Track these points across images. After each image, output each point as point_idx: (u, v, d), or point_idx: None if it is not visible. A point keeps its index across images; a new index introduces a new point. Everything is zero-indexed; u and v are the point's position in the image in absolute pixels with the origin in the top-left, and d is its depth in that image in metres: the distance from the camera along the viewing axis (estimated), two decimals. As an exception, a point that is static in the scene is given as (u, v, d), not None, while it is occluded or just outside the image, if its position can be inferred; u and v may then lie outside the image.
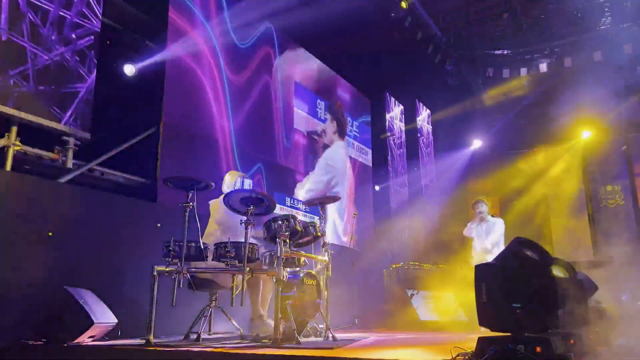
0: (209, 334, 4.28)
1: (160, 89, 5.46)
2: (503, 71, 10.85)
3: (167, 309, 3.72)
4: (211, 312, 4.21)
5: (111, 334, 4.00)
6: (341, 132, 8.99)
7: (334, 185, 8.49)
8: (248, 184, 4.72)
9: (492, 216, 6.48)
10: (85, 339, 3.68)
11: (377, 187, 9.89)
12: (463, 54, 10.34)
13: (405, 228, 9.80)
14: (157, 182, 5.18)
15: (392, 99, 10.52)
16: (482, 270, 2.90)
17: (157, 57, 5.55)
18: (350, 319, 6.66)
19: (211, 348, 3.24)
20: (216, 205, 4.54)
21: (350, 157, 9.09)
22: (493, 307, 2.76)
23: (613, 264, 6.01)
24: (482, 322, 2.83)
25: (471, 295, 2.83)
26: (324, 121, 8.56)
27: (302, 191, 7.71)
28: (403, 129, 10.83)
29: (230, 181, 4.63)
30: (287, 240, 3.96)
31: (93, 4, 4.85)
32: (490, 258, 5.89)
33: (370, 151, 9.86)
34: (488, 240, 6.28)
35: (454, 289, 7.07)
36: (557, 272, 2.99)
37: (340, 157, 8.87)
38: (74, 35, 4.66)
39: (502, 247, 5.99)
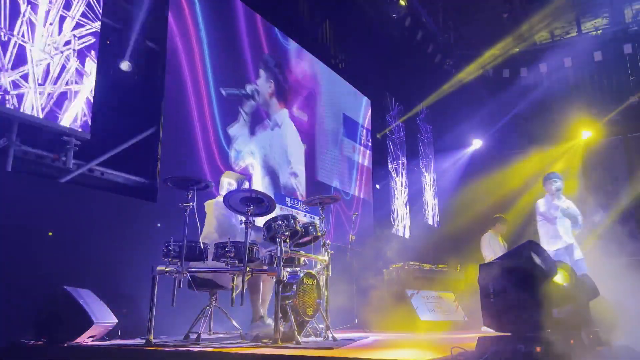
0: (209, 334, 4.28)
1: (161, 88, 5.46)
2: (503, 71, 10.86)
3: (167, 309, 3.72)
4: (211, 312, 4.21)
5: (111, 334, 4.01)
6: (280, 95, 7.37)
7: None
8: (242, 183, 4.67)
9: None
10: (85, 339, 3.68)
11: (377, 186, 9.89)
12: (463, 54, 10.34)
13: (405, 228, 9.79)
14: (157, 182, 5.18)
15: (392, 99, 10.52)
16: (488, 270, 2.90)
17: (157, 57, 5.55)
18: (350, 319, 6.66)
19: (211, 348, 3.23)
20: (212, 207, 4.54)
21: (353, 160, 9.07)
22: (500, 307, 2.75)
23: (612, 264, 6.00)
24: (487, 321, 2.82)
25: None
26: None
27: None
28: (403, 128, 10.82)
29: (231, 181, 4.63)
30: (287, 240, 3.96)
31: (93, 4, 4.85)
32: (572, 242, 5.50)
33: (370, 151, 9.85)
34: (576, 222, 5.50)
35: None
36: (560, 275, 3.00)
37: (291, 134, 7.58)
38: (74, 35, 4.65)
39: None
